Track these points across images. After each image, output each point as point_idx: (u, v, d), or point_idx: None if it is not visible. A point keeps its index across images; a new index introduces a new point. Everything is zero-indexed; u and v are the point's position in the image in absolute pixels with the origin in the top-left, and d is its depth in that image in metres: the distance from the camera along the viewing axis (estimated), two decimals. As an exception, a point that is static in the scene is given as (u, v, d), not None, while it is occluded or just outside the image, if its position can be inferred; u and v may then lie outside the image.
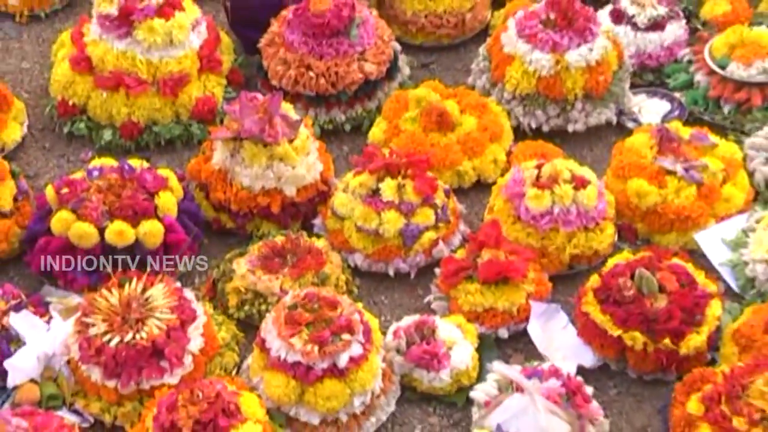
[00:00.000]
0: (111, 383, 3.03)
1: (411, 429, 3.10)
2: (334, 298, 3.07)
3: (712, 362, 3.08)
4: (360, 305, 3.13)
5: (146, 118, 3.71)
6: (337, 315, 3.05)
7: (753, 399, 2.76)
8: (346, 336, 3.01)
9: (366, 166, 3.43)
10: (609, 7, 3.94)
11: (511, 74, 3.71)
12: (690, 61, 3.83)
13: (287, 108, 3.46)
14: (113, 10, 3.66)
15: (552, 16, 3.68)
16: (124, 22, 3.65)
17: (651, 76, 3.88)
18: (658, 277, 3.14)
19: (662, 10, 3.91)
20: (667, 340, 3.09)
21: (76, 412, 3.04)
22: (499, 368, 3.06)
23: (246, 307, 3.28)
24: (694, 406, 2.83)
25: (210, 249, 3.44)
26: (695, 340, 3.08)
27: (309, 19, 3.69)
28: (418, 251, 3.39)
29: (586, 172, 3.41)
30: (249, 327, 3.23)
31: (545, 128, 3.72)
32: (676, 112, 3.75)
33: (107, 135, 3.71)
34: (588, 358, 3.17)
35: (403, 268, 3.41)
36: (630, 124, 3.74)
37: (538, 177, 3.37)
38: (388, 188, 3.37)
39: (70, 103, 3.72)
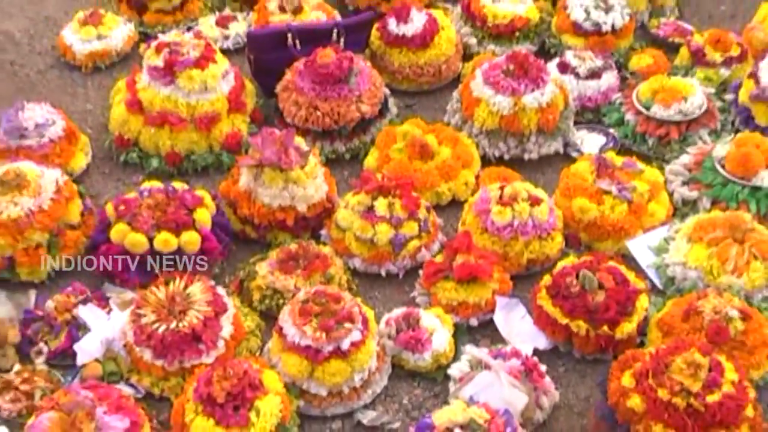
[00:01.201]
0: (159, 362, 3.03)
1: (400, 399, 3.09)
2: (337, 294, 3.08)
3: (641, 345, 3.10)
4: (358, 300, 3.11)
5: (186, 149, 3.70)
6: (341, 308, 3.05)
7: (674, 374, 2.75)
8: (347, 324, 3.02)
9: (362, 187, 3.44)
10: (556, 60, 3.93)
11: (479, 113, 3.70)
12: (621, 103, 3.83)
13: (299, 140, 3.46)
14: (160, 63, 3.65)
15: (511, 67, 3.67)
16: (168, 72, 3.64)
17: (590, 115, 3.88)
18: (598, 276, 3.15)
19: (599, 63, 3.91)
20: (605, 327, 3.11)
21: (131, 385, 3.05)
22: (470, 350, 3.10)
23: (266, 302, 3.27)
24: (627, 380, 2.82)
25: (237, 254, 3.43)
26: (627, 327, 3.11)
27: (316, 69, 3.69)
28: (405, 256, 3.39)
29: (539, 192, 3.42)
30: (268, 317, 3.23)
31: (506, 157, 3.71)
32: (611, 144, 3.74)
33: (154, 162, 3.69)
34: (542, 341, 3.19)
35: (393, 269, 3.41)
36: (574, 154, 3.74)
37: (501, 196, 3.37)
38: (380, 205, 3.37)
39: (125, 137, 3.71)
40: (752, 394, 2.85)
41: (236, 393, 2.81)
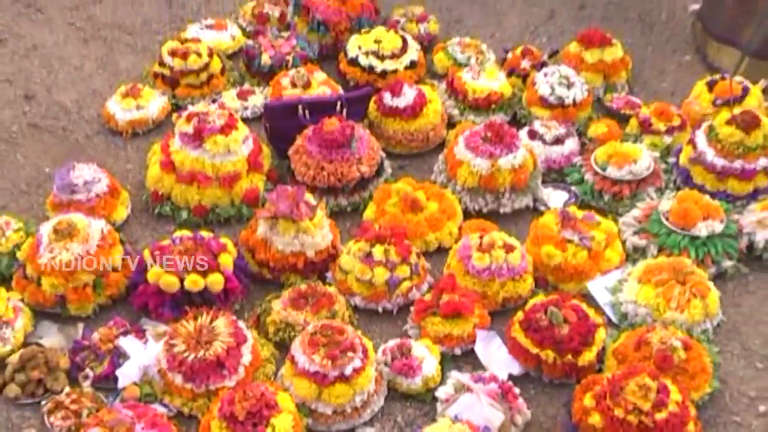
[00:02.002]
0: (188, 385, 3.02)
1: (394, 417, 3.09)
2: (341, 327, 3.07)
3: (600, 371, 3.09)
4: (359, 332, 3.11)
5: (211, 203, 3.68)
6: (344, 339, 3.02)
7: (628, 396, 2.78)
8: (350, 354, 3.00)
9: (362, 236, 3.44)
10: (526, 128, 3.95)
11: (461, 173, 3.69)
12: (581, 165, 3.84)
13: (308, 196, 3.45)
14: (190, 129, 3.65)
15: (489, 134, 3.68)
16: (197, 138, 3.64)
17: (555, 175, 3.88)
18: (563, 312, 3.15)
19: (562, 131, 3.92)
20: (569, 356, 3.12)
21: (164, 405, 3.05)
22: (455, 375, 3.09)
23: (280, 334, 3.26)
24: (588, 401, 2.84)
25: (255, 293, 3.42)
26: (588, 356, 3.11)
27: (323, 135, 3.69)
28: (398, 295, 3.39)
29: (513, 240, 3.42)
30: (282, 347, 3.23)
31: (484, 210, 3.71)
32: (572, 200, 3.75)
33: (184, 215, 3.68)
34: (515, 368, 3.18)
35: (388, 306, 3.40)
36: (542, 208, 3.74)
37: (480, 244, 3.37)
38: (377, 251, 3.37)
39: (159, 192, 3.70)
40: (693, 412, 2.87)
41: (255, 412, 2.80)
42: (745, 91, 3.96)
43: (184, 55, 4.17)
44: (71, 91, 4.25)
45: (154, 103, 4.13)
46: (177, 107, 4.15)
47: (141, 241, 3.60)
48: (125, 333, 3.23)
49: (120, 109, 4.08)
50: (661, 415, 2.75)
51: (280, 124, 3.89)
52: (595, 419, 2.79)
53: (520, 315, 3.23)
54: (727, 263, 3.50)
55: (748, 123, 3.67)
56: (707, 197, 3.62)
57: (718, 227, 3.51)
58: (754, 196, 3.74)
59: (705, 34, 4.36)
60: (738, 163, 3.70)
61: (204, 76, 4.22)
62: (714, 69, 4.26)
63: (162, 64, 4.22)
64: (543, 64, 4.22)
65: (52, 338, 3.27)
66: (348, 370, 2.98)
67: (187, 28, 4.48)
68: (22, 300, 3.31)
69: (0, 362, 3.15)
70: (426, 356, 3.16)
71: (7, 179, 3.82)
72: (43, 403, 3.05)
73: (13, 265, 3.41)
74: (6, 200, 3.72)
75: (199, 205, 3.69)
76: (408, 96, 3.98)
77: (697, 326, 3.25)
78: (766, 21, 4.13)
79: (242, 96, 4.20)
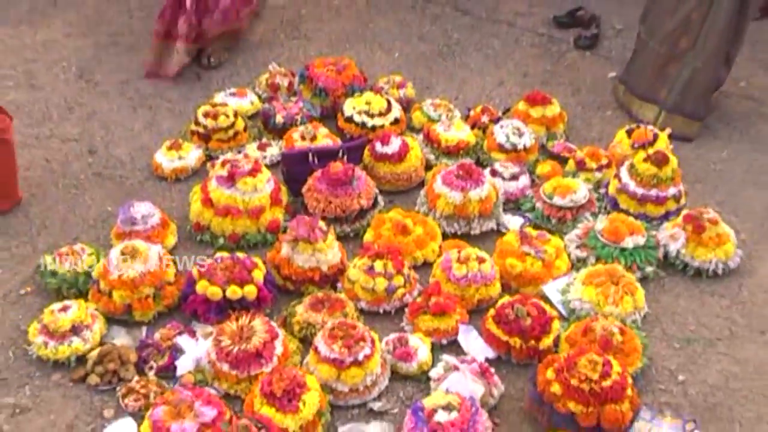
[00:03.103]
0: (233, 372, 3.04)
1: (397, 393, 3.13)
2: (354, 324, 3.14)
3: (556, 352, 3.17)
4: (367, 328, 3.15)
5: (242, 231, 3.70)
6: (356, 332, 3.08)
7: (580, 369, 2.87)
8: (361, 344, 3.05)
9: (365, 254, 3.50)
10: (489, 168, 3.98)
11: (439, 204, 3.73)
12: (532, 197, 3.90)
13: (321, 223, 3.50)
14: (224, 173, 3.69)
15: (460, 173, 3.74)
16: (230, 179, 3.67)
17: (512, 204, 3.92)
18: (526, 308, 3.21)
19: (516, 170, 3.96)
20: (532, 341, 3.18)
21: (214, 388, 3.06)
22: (445, 358, 3.13)
23: (303, 331, 3.28)
24: (549, 374, 2.92)
25: (281, 301, 3.44)
26: (546, 341, 3.20)
27: (329, 176, 3.73)
28: (395, 299, 3.42)
29: (484, 254, 3.48)
30: (304, 342, 3.26)
31: (459, 233, 3.74)
32: (527, 223, 3.81)
33: (221, 241, 3.69)
34: (490, 353, 3.23)
35: (388, 308, 3.42)
36: (504, 230, 3.78)
37: (458, 258, 3.43)
38: (377, 265, 3.41)
39: (201, 224, 3.72)
40: (630, 381, 2.93)
41: (289, 390, 2.86)
42: (655, 136, 4.07)
43: (215, 116, 4.21)
44: (125, 147, 4.27)
45: (192, 154, 4.15)
46: (210, 157, 4.17)
47: (187, 264, 3.60)
48: (180, 333, 3.25)
49: (165, 160, 4.10)
50: (606, 383, 2.83)
51: (294, 169, 3.91)
52: (556, 388, 2.87)
53: (492, 311, 3.28)
54: (649, 269, 3.57)
55: (660, 160, 3.78)
56: (631, 218, 3.69)
57: (641, 241, 3.58)
58: (666, 216, 3.82)
59: (629, 95, 4.45)
60: (653, 192, 3.78)
61: (231, 132, 4.24)
62: (639, 121, 4.34)
63: (197, 123, 4.25)
64: (498, 119, 4.27)
65: (122, 338, 3.29)
66: (360, 357, 3.03)
67: (215, 95, 4.53)
68: (97, 309, 3.32)
69: (82, 357, 3.17)
70: (420, 346, 3.20)
71: (78, 216, 3.84)
72: (117, 389, 3.08)
73: (88, 281, 3.43)
74: (78, 233, 3.75)
75: (233, 233, 3.70)
76: (394, 145, 4.01)
77: (628, 317, 3.31)
78: (676, 84, 4.25)
79: (261, 148, 4.23)
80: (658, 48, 4.24)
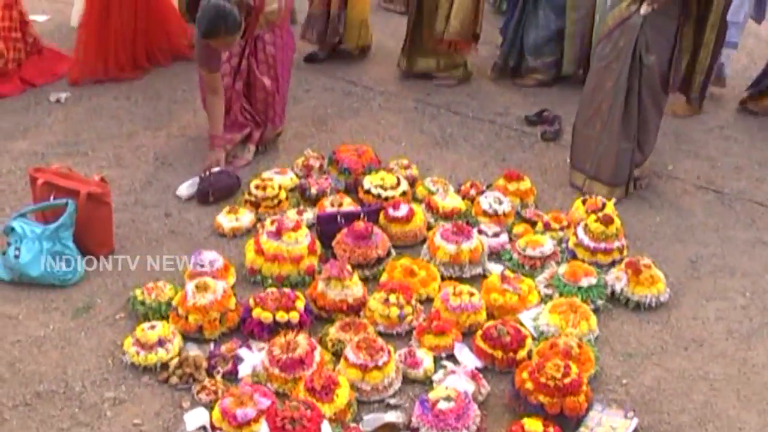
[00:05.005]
0: (282, 374, 3.25)
1: (408, 392, 3.31)
2: (374, 339, 3.36)
3: (529, 359, 3.37)
4: (384, 342, 3.37)
5: (287, 273, 3.92)
6: (377, 345, 3.28)
7: (547, 370, 3.10)
8: (381, 353, 3.24)
9: (381, 289, 3.74)
10: (476, 228, 4.17)
11: (438, 253, 3.97)
12: (509, 249, 4.10)
13: (348, 267, 3.77)
14: (273, 229, 3.97)
15: (455, 230, 4.00)
16: (278, 233, 3.95)
17: (495, 255, 4.11)
18: (506, 329, 3.44)
19: (497, 229, 4.20)
20: (511, 354, 3.35)
21: (267, 387, 3.27)
22: (445, 364, 3.37)
23: (335, 347, 3.49)
24: (525, 375, 3.15)
25: (317, 325, 3.66)
26: (521, 353, 3.39)
27: (354, 232, 3.99)
28: (405, 323, 3.64)
29: (474, 290, 3.71)
30: (335, 355, 3.45)
31: (454, 276, 3.93)
32: (505, 269, 3.98)
33: (269, 281, 3.92)
34: (478, 363, 3.41)
35: (399, 331, 3.64)
36: (488, 274, 3.99)
37: (454, 292, 3.69)
38: (392, 298, 3.63)
39: (254, 268, 3.94)
40: (585, 380, 3.14)
41: (326, 385, 3.08)
42: (604, 204, 4.35)
43: (264, 188, 4.50)
44: (193, 212, 4.53)
45: (245, 217, 4.42)
46: (259, 220, 4.43)
47: (246, 295, 3.85)
48: (241, 347, 3.49)
49: (225, 221, 4.38)
50: (567, 380, 3.03)
51: (326, 227, 4.17)
52: (529, 385, 3.07)
53: (480, 332, 3.44)
54: (600, 302, 3.71)
55: (607, 221, 4.04)
56: (586, 265, 3.86)
57: (594, 281, 3.74)
58: (612, 263, 4.01)
59: (570, 167, 4.82)
60: (602, 245, 3.98)
61: (276, 201, 4.51)
62: (572, 185, 4.66)
63: (249, 193, 4.54)
64: (483, 192, 4.54)
65: (195, 351, 3.53)
66: (380, 363, 3.21)
67: (263, 173, 4.80)
68: (176, 328, 3.58)
69: (165, 364, 3.41)
70: (424, 357, 3.36)
71: (158, 263, 4.12)
72: (193, 387, 3.32)
73: (168, 309, 3.70)
74: (158, 275, 4.02)
75: (279, 274, 3.93)
76: (403, 210, 4.24)
77: (584, 336, 3.46)
78: (594, 158, 4.60)
79: (299, 213, 4.47)
80: (583, 130, 4.65)
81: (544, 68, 5.74)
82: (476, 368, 3.31)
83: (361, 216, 4.21)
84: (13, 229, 4.01)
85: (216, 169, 4.67)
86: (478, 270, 4.09)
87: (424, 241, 4.29)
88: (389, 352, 3.29)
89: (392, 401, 3.23)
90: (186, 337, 3.49)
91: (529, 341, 3.42)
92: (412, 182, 4.80)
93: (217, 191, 4.58)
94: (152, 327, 3.56)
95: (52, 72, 5.58)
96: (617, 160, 4.59)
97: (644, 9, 4.15)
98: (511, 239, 4.31)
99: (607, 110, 4.49)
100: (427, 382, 3.31)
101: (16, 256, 3.83)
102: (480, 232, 4.27)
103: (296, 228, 4.07)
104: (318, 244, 4.19)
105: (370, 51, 6.44)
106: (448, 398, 3.02)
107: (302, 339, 3.32)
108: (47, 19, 6.70)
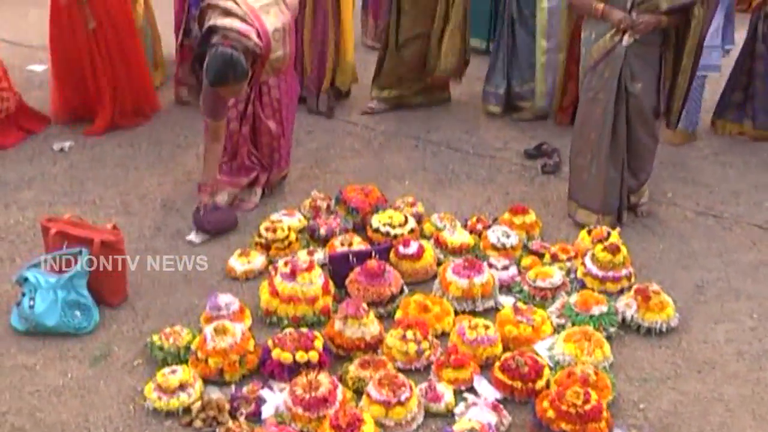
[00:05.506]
0: (306, 414, 3.30)
1: (430, 427, 3.37)
2: (396, 374, 3.42)
3: (548, 389, 3.44)
4: (405, 378, 3.43)
5: (302, 314, 3.98)
6: (398, 381, 3.35)
7: (568, 398, 3.19)
8: (403, 389, 3.30)
9: (398, 326, 3.80)
10: (486, 262, 4.23)
11: (450, 289, 4.04)
12: (520, 281, 4.18)
13: (363, 305, 3.84)
14: (287, 270, 4.04)
15: (466, 265, 4.08)
16: (292, 275, 4.02)
17: (505, 288, 4.18)
18: (524, 360, 3.50)
19: (507, 263, 4.27)
20: (530, 384, 3.41)
21: (291, 427, 3.33)
22: (466, 396, 3.44)
23: (356, 385, 3.55)
24: (545, 404, 3.22)
25: (335, 363, 3.72)
26: (540, 384, 3.45)
27: (367, 270, 4.07)
28: (423, 358, 3.70)
29: (489, 323, 3.79)
30: (356, 393, 3.53)
31: (467, 310, 4.02)
32: (517, 300, 4.07)
33: (285, 322, 3.97)
34: (498, 394, 3.48)
35: (418, 366, 3.69)
36: (500, 307, 4.06)
37: (469, 326, 3.77)
38: (409, 334, 3.70)
39: (269, 309, 4.00)
40: (605, 405, 3.21)
41: (352, 422, 3.14)
42: (608, 233, 4.49)
43: (274, 230, 4.59)
44: (205, 257, 4.62)
45: (257, 260, 4.49)
46: (270, 262, 4.51)
47: (264, 336, 3.91)
48: (263, 387, 3.55)
49: (237, 264, 4.44)
50: (587, 407, 3.11)
51: (338, 267, 4.25)
52: (551, 413, 3.13)
53: (498, 363, 3.50)
54: (611, 329, 3.77)
55: (614, 250, 4.13)
56: (596, 293, 3.93)
57: (605, 309, 3.80)
58: (621, 291, 4.06)
59: (574, 204, 4.89)
60: (611, 273, 4.05)
61: (286, 242, 4.59)
62: (569, 215, 4.79)
63: (260, 236, 4.63)
64: (490, 226, 4.64)
65: (216, 394, 3.58)
66: (402, 398, 3.26)
67: (272, 215, 4.90)
68: (196, 372, 3.64)
69: (187, 408, 3.46)
70: (445, 391, 3.42)
71: (172, 308, 4.19)
72: (217, 430, 3.34)
73: (187, 353, 3.75)
74: (174, 320, 4.09)
75: (294, 315, 4.01)
76: (413, 248, 4.32)
77: (600, 364, 3.53)
78: (585, 186, 4.68)
79: (310, 254, 4.54)
80: (575, 160, 4.80)
81: (530, 95, 5.77)
82: (496, 400, 3.37)
83: (373, 254, 4.30)
84: (26, 279, 4.09)
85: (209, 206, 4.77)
86: (491, 303, 4.17)
87: (434, 277, 4.39)
88: (411, 387, 3.33)
89: (414, 437, 3.19)
90: (206, 381, 3.53)
91: (546, 371, 3.46)
92: (419, 220, 4.90)
93: (212, 222, 4.65)
94: (173, 372, 3.61)
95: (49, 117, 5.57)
96: (605, 188, 4.68)
97: (626, 40, 4.33)
98: (520, 272, 4.42)
99: (596, 140, 4.61)
100: (448, 416, 3.34)
101: (31, 306, 3.91)
102: (490, 266, 4.37)
103: (310, 269, 4.15)
104: (331, 284, 4.27)
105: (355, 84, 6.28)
106: (472, 430, 3.10)
107: (324, 378, 3.35)
108: (44, 70, 6.83)
